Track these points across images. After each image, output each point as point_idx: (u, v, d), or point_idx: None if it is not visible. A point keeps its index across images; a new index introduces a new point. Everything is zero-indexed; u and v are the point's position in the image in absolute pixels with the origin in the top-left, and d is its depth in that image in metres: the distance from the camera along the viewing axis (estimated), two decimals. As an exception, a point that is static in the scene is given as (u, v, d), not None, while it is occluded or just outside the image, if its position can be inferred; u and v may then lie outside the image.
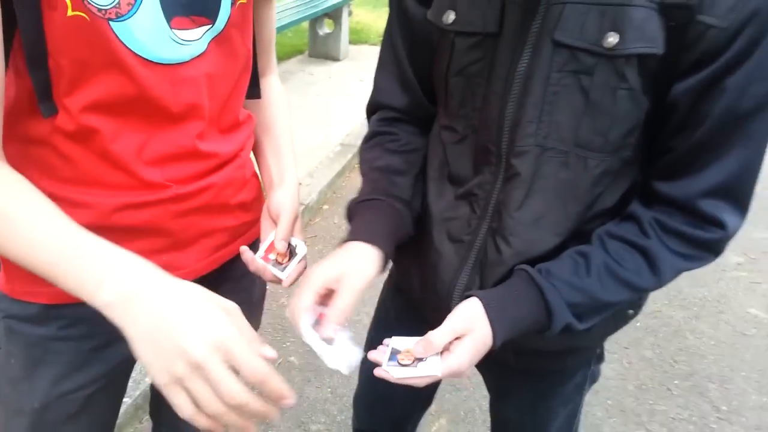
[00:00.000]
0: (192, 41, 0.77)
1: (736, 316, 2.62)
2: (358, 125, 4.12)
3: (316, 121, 4.17)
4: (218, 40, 0.81)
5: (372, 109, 1.02)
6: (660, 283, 0.82)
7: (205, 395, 0.55)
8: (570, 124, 0.76)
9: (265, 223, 0.97)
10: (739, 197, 0.78)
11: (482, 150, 0.84)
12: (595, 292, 0.79)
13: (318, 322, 0.76)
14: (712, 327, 2.55)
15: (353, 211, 0.91)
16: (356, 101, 4.51)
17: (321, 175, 3.43)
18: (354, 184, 3.40)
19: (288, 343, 2.30)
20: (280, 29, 4.25)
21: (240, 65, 0.87)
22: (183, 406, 0.56)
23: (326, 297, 0.77)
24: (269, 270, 0.90)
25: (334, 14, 5.52)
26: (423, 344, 0.75)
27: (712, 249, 0.81)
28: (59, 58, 0.69)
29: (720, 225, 0.77)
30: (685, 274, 0.84)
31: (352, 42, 6.09)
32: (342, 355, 0.74)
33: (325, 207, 3.33)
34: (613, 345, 2.37)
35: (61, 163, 0.76)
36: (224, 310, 0.59)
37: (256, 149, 1.03)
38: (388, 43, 0.95)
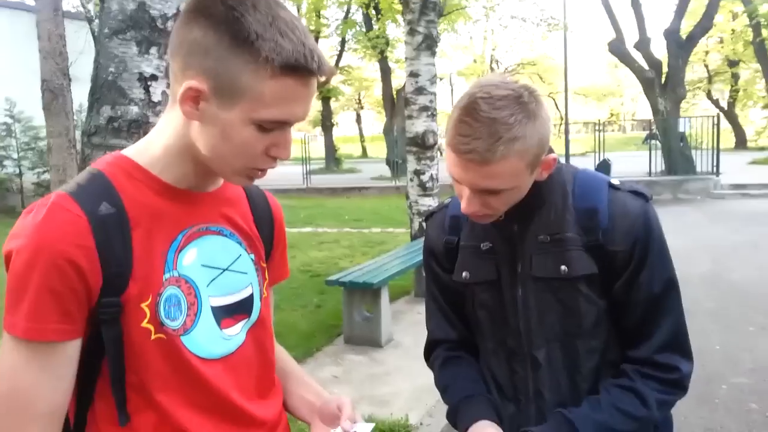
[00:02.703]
0: (235, 335, 0.97)
1: None
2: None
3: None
4: (252, 328, 1.01)
5: (430, 348, 1.40)
6: (651, 413, 1.16)
7: None
8: (558, 323, 1.19)
9: (318, 428, 1.06)
10: (681, 347, 1.18)
11: (512, 353, 1.24)
12: (607, 422, 1.14)
13: None
14: None
15: (458, 408, 1.26)
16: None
17: (440, 415, 3.34)
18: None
19: None
20: (393, 276, 5.02)
21: (269, 342, 1.06)
22: None
23: None
24: None
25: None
26: None
27: (678, 386, 1.18)
28: (140, 373, 0.86)
29: (676, 369, 1.16)
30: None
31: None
32: None
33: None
34: None
35: None
36: None
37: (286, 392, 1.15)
38: (430, 297, 1.38)
